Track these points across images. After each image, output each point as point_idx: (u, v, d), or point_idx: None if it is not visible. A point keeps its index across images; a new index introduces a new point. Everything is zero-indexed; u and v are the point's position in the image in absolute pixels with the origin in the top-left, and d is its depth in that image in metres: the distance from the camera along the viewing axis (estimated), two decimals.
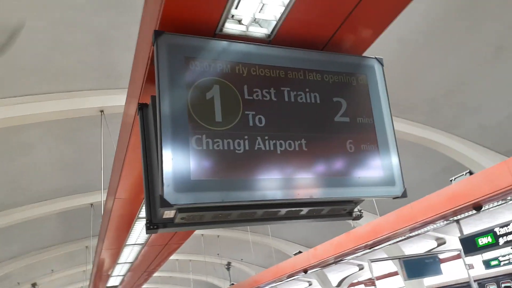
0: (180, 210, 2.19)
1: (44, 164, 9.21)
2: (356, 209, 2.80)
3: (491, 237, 7.18)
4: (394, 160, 2.56)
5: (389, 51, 7.42)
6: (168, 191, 1.98)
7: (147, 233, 2.30)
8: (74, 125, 8.13)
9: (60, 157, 9.12)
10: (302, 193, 2.33)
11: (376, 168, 2.49)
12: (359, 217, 2.81)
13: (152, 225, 2.31)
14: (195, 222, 2.37)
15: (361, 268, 17.13)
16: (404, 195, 2.51)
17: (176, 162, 2.05)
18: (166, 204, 1.97)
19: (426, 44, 7.37)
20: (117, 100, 7.09)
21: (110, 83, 7.16)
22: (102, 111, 7.10)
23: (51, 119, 7.38)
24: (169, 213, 2.26)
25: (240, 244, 17.32)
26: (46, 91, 7.06)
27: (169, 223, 2.33)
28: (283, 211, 2.49)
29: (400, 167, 2.55)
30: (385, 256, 12.15)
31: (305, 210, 2.55)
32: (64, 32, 6.10)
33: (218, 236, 16.69)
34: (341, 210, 2.71)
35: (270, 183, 2.28)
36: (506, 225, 6.95)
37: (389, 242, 9.32)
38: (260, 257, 18.19)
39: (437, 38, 7.27)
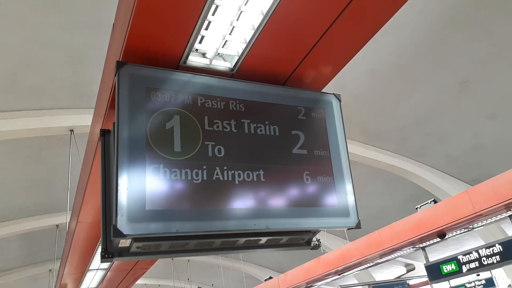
0: (136, 239, 2.18)
1: (10, 182, 8.92)
2: (314, 239, 2.85)
3: (454, 265, 7.33)
4: (349, 192, 2.64)
5: (361, 82, 7.71)
6: (122, 221, 1.98)
7: (101, 262, 2.28)
8: (43, 144, 7.96)
9: (27, 175, 8.86)
10: (259, 224, 2.37)
11: (332, 200, 2.57)
12: (317, 246, 2.86)
13: (107, 254, 2.28)
14: (152, 252, 2.36)
15: None
16: (358, 226, 2.58)
17: (132, 191, 2.06)
18: (119, 234, 1.97)
19: (396, 76, 7.70)
20: (88, 120, 7.00)
21: (82, 103, 7.10)
22: (72, 130, 7.00)
23: (20, 136, 7.22)
24: (125, 242, 2.25)
25: (211, 268, 17.01)
26: (15, 108, 6.93)
27: (125, 252, 2.31)
28: (241, 240, 2.52)
29: (355, 199, 2.63)
30: (356, 282, 12.19)
31: (263, 240, 2.59)
32: (37, 49, 6.06)
33: (188, 260, 16.36)
34: (299, 239, 2.76)
35: (228, 213, 2.31)
36: (468, 253, 7.12)
37: (359, 268, 9.39)
38: (231, 282, 17.89)
39: (407, 71, 7.61)
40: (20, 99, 6.77)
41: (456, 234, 7.14)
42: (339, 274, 9.58)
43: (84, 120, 7.03)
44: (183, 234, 2.18)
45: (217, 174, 2.32)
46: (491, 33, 6.74)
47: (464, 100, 8.17)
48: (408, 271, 14.43)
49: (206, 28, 2.37)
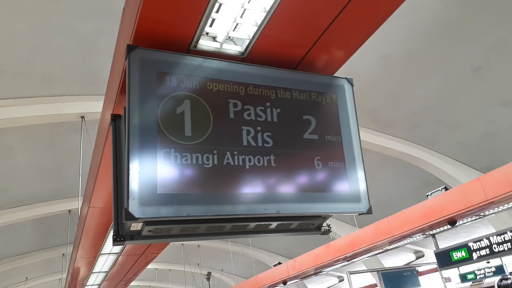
0: (147, 223, 2.21)
1: (23, 168, 9.07)
2: (324, 224, 2.85)
3: (465, 252, 7.30)
4: (361, 177, 2.62)
5: (372, 68, 7.60)
6: (133, 204, 2.00)
7: (113, 245, 2.30)
8: (54, 130, 8.05)
9: (39, 161, 8.99)
10: (270, 208, 2.37)
11: (343, 185, 2.55)
12: (327, 231, 2.85)
13: (119, 237, 2.31)
14: (163, 235, 2.38)
15: (341, 280, 17.19)
16: (369, 211, 2.57)
17: (143, 175, 2.07)
18: (131, 217, 1.98)
19: (408, 62, 7.56)
20: (98, 107, 6.99)
21: (92, 89, 7.13)
22: (83, 117, 7.06)
23: (32, 123, 7.30)
24: (136, 226, 2.27)
25: (221, 254, 17.21)
26: (27, 95, 7.00)
27: (136, 235, 2.34)
28: (252, 225, 2.53)
29: (366, 184, 2.62)
30: (364, 268, 12.23)
31: (274, 224, 2.59)
32: (48, 36, 6.07)
33: (198, 245, 16.56)
34: (309, 224, 2.76)
35: (238, 198, 2.31)
36: (479, 240, 7.08)
37: (368, 255, 9.40)
38: (241, 268, 18.09)
39: (419, 57, 7.47)
40: (31, 86, 6.82)
41: (467, 222, 7.09)
42: (348, 260, 9.61)
43: (95, 106, 7.08)
44: (194, 218, 2.19)
45: (228, 159, 2.32)
46: (506, 18, 6.56)
47: (477, 87, 8.01)
48: (417, 258, 14.42)
49: (217, 11, 2.34)
